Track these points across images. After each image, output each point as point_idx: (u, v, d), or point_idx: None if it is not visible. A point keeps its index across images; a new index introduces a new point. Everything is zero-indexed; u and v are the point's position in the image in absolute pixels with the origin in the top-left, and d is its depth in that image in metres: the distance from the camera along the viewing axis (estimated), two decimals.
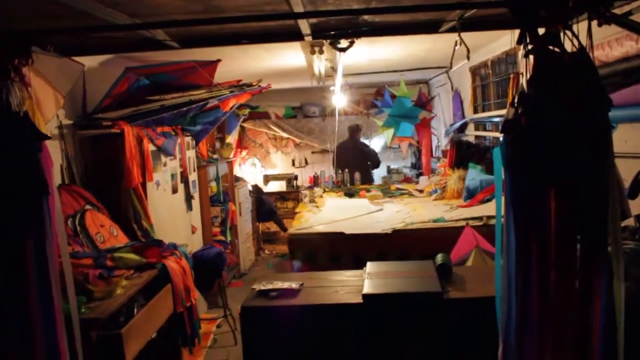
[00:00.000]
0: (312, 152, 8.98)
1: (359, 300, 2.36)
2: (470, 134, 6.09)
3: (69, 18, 2.06)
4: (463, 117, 6.39)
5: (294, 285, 2.57)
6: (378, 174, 8.30)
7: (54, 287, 1.88)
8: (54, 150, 3.47)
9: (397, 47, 4.65)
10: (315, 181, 6.93)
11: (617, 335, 1.80)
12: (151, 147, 4.04)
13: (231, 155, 6.86)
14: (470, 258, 3.10)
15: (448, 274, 2.59)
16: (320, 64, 4.70)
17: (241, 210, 6.86)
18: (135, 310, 2.95)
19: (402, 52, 4.92)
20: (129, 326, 2.68)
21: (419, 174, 7.66)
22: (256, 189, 7.90)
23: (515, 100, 1.80)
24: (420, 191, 5.93)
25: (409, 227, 4.02)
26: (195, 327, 3.58)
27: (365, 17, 2.40)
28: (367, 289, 2.36)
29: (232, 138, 7.50)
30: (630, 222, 2.73)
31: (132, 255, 3.20)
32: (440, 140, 7.76)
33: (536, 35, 1.80)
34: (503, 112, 4.79)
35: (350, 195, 5.96)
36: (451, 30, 2.63)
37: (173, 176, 4.59)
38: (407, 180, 7.57)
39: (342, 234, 3.97)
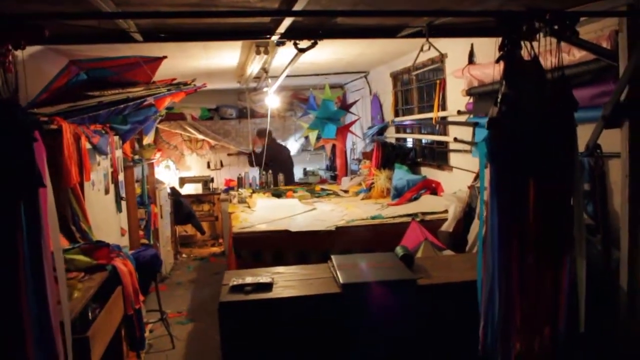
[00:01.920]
0: (228, 155, 8.92)
1: (337, 290, 2.46)
2: (391, 136, 6.39)
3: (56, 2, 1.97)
4: (383, 120, 6.69)
5: (265, 279, 2.61)
6: (295, 175, 8.44)
7: (48, 280, 1.80)
8: None
9: (331, 50, 4.79)
10: (239, 183, 6.91)
11: (579, 306, 2.06)
12: (87, 145, 3.86)
13: (152, 156, 6.67)
14: (420, 250, 3.30)
15: (411, 264, 2.76)
16: (256, 65, 4.74)
17: (162, 213, 6.67)
18: (90, 314, 2.83)
19: (333, 55, 5.07)
20: (94, 329, 2.59)
21: (334, 176, 7.89)
22: (174, 192, 7.71)
23: (499, 100, 2.00)
24: (345, 191, 6.13)
25: (351, 224, 4.17)
26: (143, 330, 3.48)
27: (339, 19, 2.51)
28: (344, 279, 2.47)
29: (149, 139, 7.28)
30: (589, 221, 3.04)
31: (81, 257, 3.06)
32: (356, 142, 8.03)
33: (517, 44, 2.01)
34: (429, 115, 5.12)
35: (278, 195, 6.03)
36: (410, 35, 2.80)
37: (105, 176, 4.41)
38: (322, 181, 7.76)
39: (287, 231, 4.04)
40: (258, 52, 3.93)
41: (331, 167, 8.67)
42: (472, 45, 4.07)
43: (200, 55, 4.60)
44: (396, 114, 6.26)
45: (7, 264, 1.72)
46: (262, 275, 2.70)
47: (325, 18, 2.55)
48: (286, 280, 2.66)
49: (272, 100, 5.89)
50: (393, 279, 2.46)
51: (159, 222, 6.42)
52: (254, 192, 6.22)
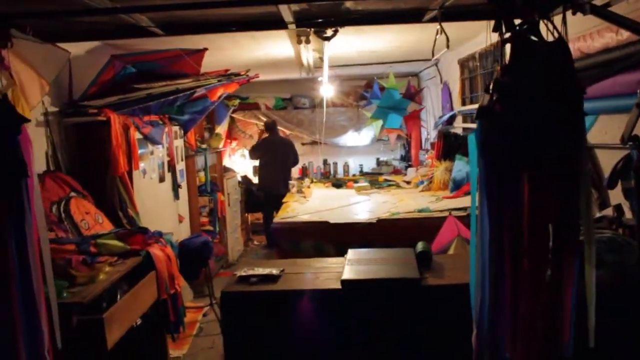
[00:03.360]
0: (302, 144, 8.98)
1: (338, 286, 2.39)
2: (459, 126, 6.12)
3: (48, 1, 2.06)
4: (452, 109, 6.43)
5: (275, 271, 2.60)
6: (367, 165, 8.35)
7: (33, 268, 1.90)
8: (40, 137, 3.47)
9: (384, 38, 4.66)
10: (304, 172, 6.94)
11: (588, 319, 1.84)
12: (138, 136, 4.04)
13: (220, 146, 6.87)
14: (452, 247, 3.14)
15: (428, 261, 2.63)
16: (307, 54, 4.71)
17: (230, 200, 6.87)
18: (119, 296, 2.96)
19: (389, 43, 4.93)
20: (111, 311, 2.70)
21: (408, 166, 7.69)
22: (246, 180, 7.91)
23: (490, 88, 1.83)
24: (408, 182, 5.97)
25: (394, 217, 4.05)
26: (179, 315, 3.60)
27: (348, 5, 2.42)
28: (346, 275, 2.39)
29: (221, 128, 7.50)
30: (608, 211, 2.78)
31: (115, 242, 3.21)
32: (430, 132, 7.79)
33: (512, 25, 1.82)
34: None
35: (338, 186, 5.99)
36: (434, 20, 2.64)
37: (160, 165, 4.60)
38: (396, 172, 7.61)
39: (326, 223, 4.00)
40: (299, 42, 3.90)
41: (406, 157, 8.48)
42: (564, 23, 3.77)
43: (251, 47, 4.64)
44: (463, 103, 5.99)
45: None
46: (274, 267, 2.68)
47: (336, 5, 2.47)
48: (296, 273, 2.63)
49: (326, 90, 5.84)
50: (395, 277, 2.35)
51: (226, 210, 6.62)
52: (313, 181, 6.22)
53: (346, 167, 7.65)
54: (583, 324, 1.84)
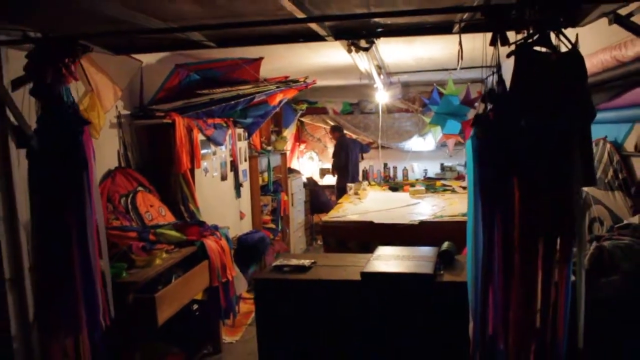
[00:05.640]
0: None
1: (359, 278, 2.59)
2: None
3: (109, 23, 2.42)
4: None
5: (307, 263, 2.84)
6: (432, 170, 8.41)
7: (91, 246, 2.26)
8: (113, 137, 3.92)
9: (436, 46, 4.78)
10: (364, 175, 7.16)
11: (577, 321, 1.94)
12: (201, 137, 4.43)
13: (285, 148, 7.20)
14: None
15: (450, 260, 2.77)
16: (362, 61, 4.91)
17: (293, 200, 7.19)
18: (173, 280, 3.32)
19: (442, 51, 5.04)
20: (163, 292, 3.05)
21: None
22: (311, 182, 8.22)
23: (485, 98, 1.98)
24: (464, 188, 6.02)
25: (436, 219, 4.18)
26: (231, 302, 3.92)
27: (377, 19, 2.62)
28: (366, 269, 2.59)
29: (288, 132, 7.85)
30: (635, 220, 2.80)
31: (173, 232, 3.58)
32: None
33: (506, 38, 1.96)
34: None
35: (394, 189, 6.15)
36: (464, 31, 2.78)
37: (223, 164, 4.97)
38: (460, 177, 7.64)
39: (371, 223, 4.19)
40: (349, 51, 4.12)
41: None
42: (576, 35, 3.79)
43: (309, 55, 4.91)
44: None
45: (60, 227, 2.20)
46: (307, 259, 2.92)
47: (366, 22, 2.68)
48: (327, 266, 2.85)
49: (381, 96, 6.01)
50: (410, 272, 2.52)
51: (289, 209, 6.95)
52: (370, 184, 6.41)
53: (405, 172, 7.76)
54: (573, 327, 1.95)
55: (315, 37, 2.98)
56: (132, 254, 3.15)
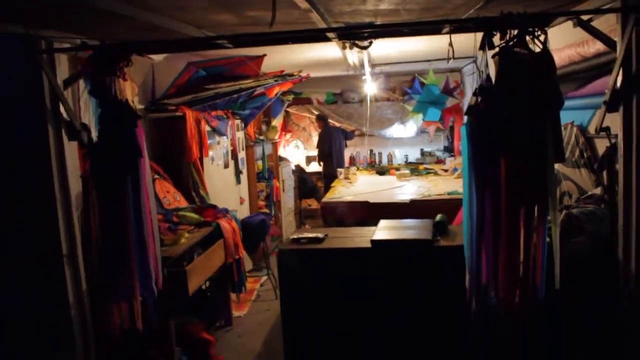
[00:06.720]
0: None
1: (369, 245, 3.04)
2: None
3: (151, 29, 2.79)
4: None
5: (320, 235, 3.27)
6: (412, 155, 8.91)
7: (145, 224, 2.65)
8: None
9: (424, 40, 5.23)
10: (351, 161, 7.59)
11: (554, 267, 2.41)
12: (207, 128, 4.80)
13: (276, 137, 7.60)
14: None
15: (444, 229, 3.23)
16: (352, 56, 5.34)
17: (284, 187, 7.60)
18: (195, 256, 3.71)
19: (428, 43, 5.49)
20: (192, 266, 3.45)
21: (452, 157, 8.21)
22: (299, 169, 8.64)
23: (476, 91, 2.43)
24: (446, 170, 6.52)
25: (425, 198, 4.65)
26: (242, 277, 4.33)
27: (377, 23, 3.03)
28: (375, 237, 3.04)
29: (277, 122, 8.24)
30: (597, 191, 3.29)
31: (193, 215, 3.97)
32: None
33: (492, 43, 2.41)
34: None
35: (381, 173, 6.61)
36: (455, 31, 3.22)
37: (225, 153, 5.36)
38: (439, 162, 8.15)
39: (367, 202, 4.64)
40: (344, 48, 4.53)
41: (449, 148, 8.98)
42: (546, 34, 4.27)
43: (303, 50, 5.30)
44: None
45: (119, 203, 2.59)
46: (320, 232, 3.35)
47: (367, 25, 3.09)
48: (338, 237, 3.29)
49: (369, 87, 6.45)
50: (412, 238, 2.98)
51: (280, 195, 7.36)
52: (359, 169, 6.86)
53: (390, 157, 8.23)
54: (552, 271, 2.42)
55: (323, 39, 3.39)
56: (160, 234, 3.53)
